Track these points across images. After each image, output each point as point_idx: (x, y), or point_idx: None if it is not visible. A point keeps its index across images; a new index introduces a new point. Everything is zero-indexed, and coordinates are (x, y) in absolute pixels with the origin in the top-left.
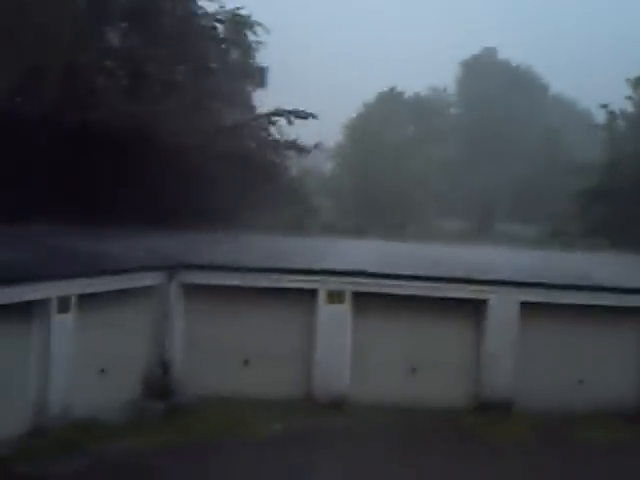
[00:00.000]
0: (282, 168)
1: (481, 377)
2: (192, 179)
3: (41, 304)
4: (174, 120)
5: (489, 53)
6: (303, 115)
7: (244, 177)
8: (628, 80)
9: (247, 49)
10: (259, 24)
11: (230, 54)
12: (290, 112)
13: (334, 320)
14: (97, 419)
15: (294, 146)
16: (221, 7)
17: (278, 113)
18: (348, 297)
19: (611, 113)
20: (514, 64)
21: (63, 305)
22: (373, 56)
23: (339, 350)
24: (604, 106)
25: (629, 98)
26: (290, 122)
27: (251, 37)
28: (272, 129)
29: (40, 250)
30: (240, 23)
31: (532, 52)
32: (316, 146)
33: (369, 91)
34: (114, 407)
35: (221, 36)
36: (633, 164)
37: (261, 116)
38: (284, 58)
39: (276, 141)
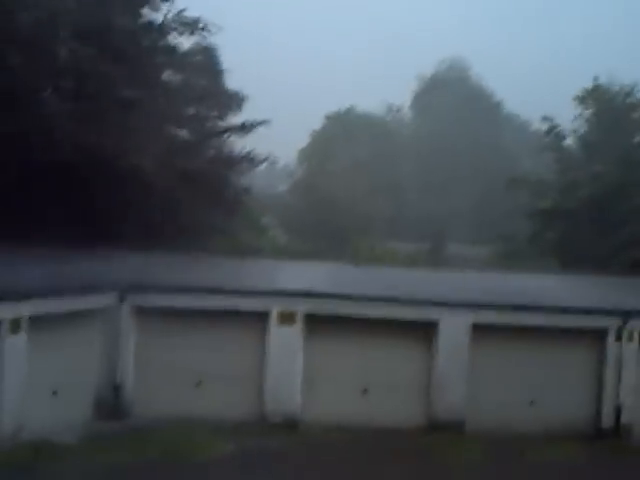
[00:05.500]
0: (235, 189)
1: (433, 398)
2: (144, 201)
3: None
4: (126, 140)
5: (444, 69)
6: (256, 124)
7: (197, 199)
8: (576, 98)
9: (214, 71)
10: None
11: (191, 73)
12: (243, 126)
13: (286, 341)
14: (49, 440)
15: (246, 159)
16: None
17: (232, 128)
18: (300, 318)
19: (557, 135)
20: (469, 81)
21: (15, 326)
22: (328, 75)
23: (291, 371)
24: (550, 128)
25: (578, 117)
26: (245, 131)
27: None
28: (225, 145)
29: None
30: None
31: (486, 70)
32: (267, 158)
33: (322, 111)
34: (66, 428)
35: (182, 52)
36: (586, 185)
37: (215, 134)
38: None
39: (230, 157)
